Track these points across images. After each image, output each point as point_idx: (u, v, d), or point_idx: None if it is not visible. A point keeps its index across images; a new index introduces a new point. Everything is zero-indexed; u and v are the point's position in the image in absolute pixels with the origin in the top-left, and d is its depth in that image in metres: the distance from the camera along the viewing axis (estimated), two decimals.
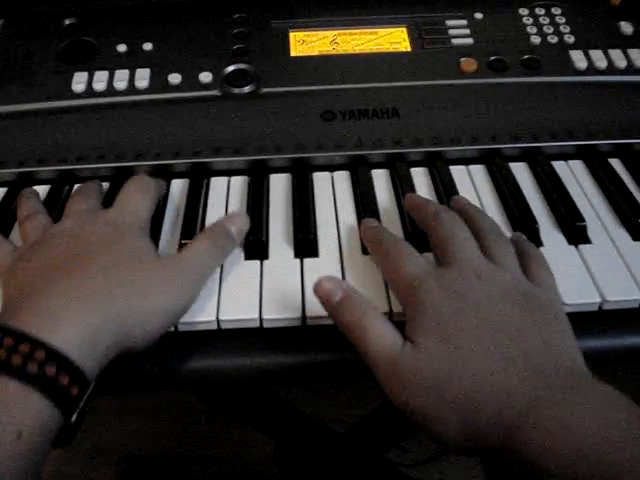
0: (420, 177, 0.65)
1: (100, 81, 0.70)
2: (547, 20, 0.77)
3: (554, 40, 0.75)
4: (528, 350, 0.43)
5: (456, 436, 0.42)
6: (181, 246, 0.57)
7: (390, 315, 0.52)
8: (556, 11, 0.78)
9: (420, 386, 0.43)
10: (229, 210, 0.62)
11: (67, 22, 0.77)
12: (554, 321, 0.46)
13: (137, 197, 0.57)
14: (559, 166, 0.65)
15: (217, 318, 0.52)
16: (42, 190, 0.65)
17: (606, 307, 0.53)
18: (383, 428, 1.08)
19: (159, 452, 1.54)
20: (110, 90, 0.70)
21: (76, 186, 0.66)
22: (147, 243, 0.53)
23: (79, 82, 0.71)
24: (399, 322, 0.51)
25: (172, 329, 0.52)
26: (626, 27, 0.76)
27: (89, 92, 0.70)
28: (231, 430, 1.53)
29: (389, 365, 0.44)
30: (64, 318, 0.44)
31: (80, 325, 0.44)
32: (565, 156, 0.67)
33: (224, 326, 0.52)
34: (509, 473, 0.41)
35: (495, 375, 0.42)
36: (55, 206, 0.63)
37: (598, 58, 0.72)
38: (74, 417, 0.43)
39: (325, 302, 0.48)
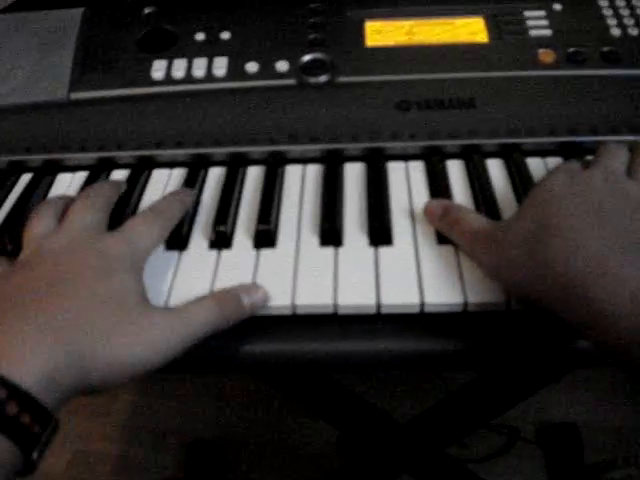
0: (495, 169, 0.65)
1: (179, 69, 0.72)
2: (628, 12, 0.75)
3: (635, 32, 0.73)
4: (614, 229, 0.46)
5: (528, 283, 0.47)
6: (258, 232, 0.58)
7: (465, 306, 0.51)
8: (637, 2, 0.76)
9: (514, 247, 0.49)
10: (304, 198, 0.63)
11: (147, 11, 0.78)
12: None
13: (144, 226, 0.54)
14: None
15: (292, 303, 0.52)
16: (122, 174, 0.67)
17: None
18: (445, 422, 1.07)
19: (222, 437, 1.56)
20: (188, 78, 0.71)
21: (155, 172, 0.67)
22: (135, 284, 0.50)
23: (158, 70, 0.72)
24: (475, 313, 0.52)
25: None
26: None
27: (168, 80, 0.71)
28: (295, 418, 1.54)
29: (485, 238, 0.52)
30: (27, 350, 0.42)
31: (42, 360, 0.42)
32: None
33: (299, 311, 0.53)
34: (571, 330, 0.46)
35: (572, 234, 0.46)
36: (134, 189, 0.64)
37: None
38: (35, 454, 0.41)
39: (432, 220, 0.58)
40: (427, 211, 0.58)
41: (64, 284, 0.47)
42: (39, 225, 0.54)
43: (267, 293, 0.53)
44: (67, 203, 0.57)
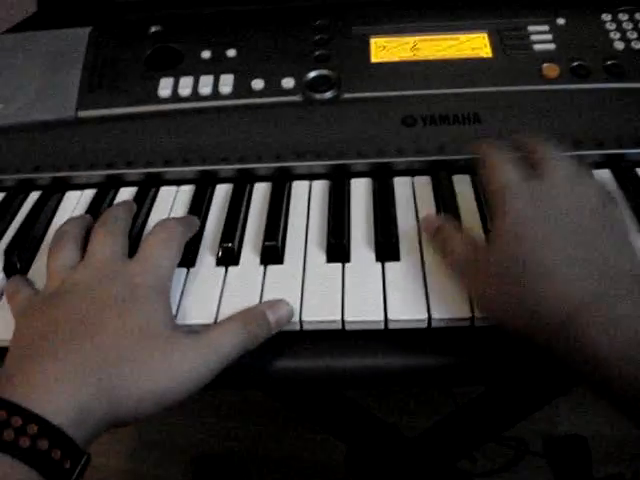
0: None
1: (185, 87, 0.72)
2: (631, 25, 0.75)
3: (638, 46, 0.73)
4: (598, 252, 0.46)
5: (518, 322, 0.46)
6: (265, 248, 0.58)
7: (473, 320, 0.52)
8: None
9: (490, 277, 0.48)
10: (311, 214, 0.63)
11: (153, 29, 0.79)
12: (624, 235, 0.49)
13: (161, 247, 0.54)
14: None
15: (300, 319, 0.53)
16: (130, 192, 0.68)
17: None
18: (454, 436, 1.07)
19: (230, 452, 1.55)
20: (195, 95, 0.72)
21: (162, 189, 0.68)
22: (163, 311, 0.50)
23: (165, 87, 0.73)
24: (482, 327, 0.52)
25: None
26: None
27: (175, 97, 0.72)
28: (303, 433, 1.54)
29: (470, 265, 0.51)
30: (57, 389, 0.42)
31: (73, 398, 0.42)
32: None
33: (306, 327, 0.53)
34: (562, 364, 0.44)
35: (562, 268, 0.45)
36: (142, 207, 0.65)
37: None
38: None
39: (427, 232, 0.58)
40: (424, 225, 0.60)
41: (93, 319, 0.47)
42: (62, 257, 0.55)
43: (292, 308, 0.53)
44: (85, 227, 0.58)
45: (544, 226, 0.48)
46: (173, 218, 0.60)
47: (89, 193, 0.69)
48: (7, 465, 0.39)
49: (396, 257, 0.57)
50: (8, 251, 0.61)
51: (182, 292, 0.56)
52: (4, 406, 0.40)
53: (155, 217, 0.65)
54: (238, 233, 0.61)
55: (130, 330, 0.47)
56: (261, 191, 0.66)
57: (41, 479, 0.40)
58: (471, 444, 1.12)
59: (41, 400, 0.41)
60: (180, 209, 0.66)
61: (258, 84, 0.72)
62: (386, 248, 0.58)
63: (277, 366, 0.53)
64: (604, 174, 0.65)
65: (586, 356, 0.42)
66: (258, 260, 0.58)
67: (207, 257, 0.59)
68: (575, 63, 0.72)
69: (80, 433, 0.42)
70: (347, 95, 0.71)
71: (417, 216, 0.62)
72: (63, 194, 0.69)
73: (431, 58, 0.73)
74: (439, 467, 1.10)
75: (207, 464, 1.53)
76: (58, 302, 0.50)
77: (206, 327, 0.51)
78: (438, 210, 0.62)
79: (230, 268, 0.58)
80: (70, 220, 0.60)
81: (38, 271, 0.60)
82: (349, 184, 0.66)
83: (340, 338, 0.53)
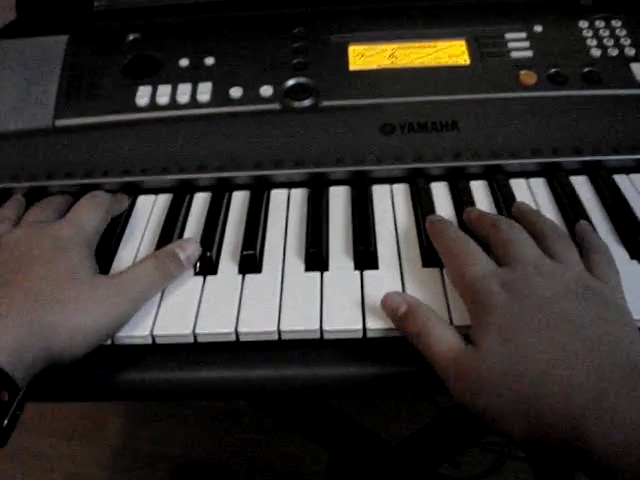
0: (480, 190, 0.65)
1: (163, 95, 0.72)
2: (607, 33, 0.76)
3: (614, 53, 0.74)
4: (592, 343, 0.43)
5: (521, 433, 0.43)
6: (243, 257, 0.58)
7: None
8: (616, 23, 0.77)
9: (483, 386, 0.44)
10: (289, 222, 0.63)
11: (131, 37, 0.79)
12: (617, 315, 0.47)
13: (88, 211, 0.60)
14: (621, 180, 0.65)
15: (278, 329, 0.52)
16: None
17: None
18: (437, 442, 1.07)
19: (213, 460, 1.55)
20: (173, 104, 0.72)
21: (140, 198, 0.68)
22: (87, 260, 0.55)
23: (143, 96, 0.72)
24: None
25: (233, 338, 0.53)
26: None
27: (153, 106, 0.72)
28: (286, 441, 1.54)
29: (454, 367, 0.46)
30: None
31: (8, 336, 0.46)
32: (627, 169, 0.66)
33: (284, 337, 0.53)
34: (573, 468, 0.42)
35: (558, 370, 0.42)
36: (121, 214, 0.65)
37: None
38: (5, 422, 0.45)
39: (391, 315, 0.51)
40: (385, 303, 0.52)
41: (22, 268, 0.52)
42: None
43: (199, 245, 0.59)
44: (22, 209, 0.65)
45: (531, 319, 0.45)
46: (103, 192, 0.65)
47: None
48: None
49: (375, 266, 0.57)
50: None
51: (160, 301, 0.55)
52: None
53: (132, 226, 0.65)
54: (216, 242, 0.61)
55: (56, 275, 0.51)
56: (239, 200, 0.66)
57: None
58: (454, 449, 1.12)
59: None
60: (158, 218, 0.65)
61: (236, 92, 0.71)
62: (365, 256, 0.58)
63: (257, 375, 0.53)
64: (581, 181, 0.65)
65: (593, 460, 0.40)
66: (237, 269, 0.58)
67: None
68: (552, 70, 0.72)
69: (17, 370, 0.45)
70: (325, 103, 0.71)
71: (395, 224, 0.62)
72: None
73: (409, 66, 0.73)
74: (422, 473, 1.10)
75: (190, 473, 1.52)
76: None
77: (126, 268, 0.55)
78: (416, 218, 0.62)
79: (208, 277, 0.58)
80: (8, 204, 0.66)
81: None
82: (328, 192, 0.66)
83: (318, 347, 0.53)
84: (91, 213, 0.60)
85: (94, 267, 0.55)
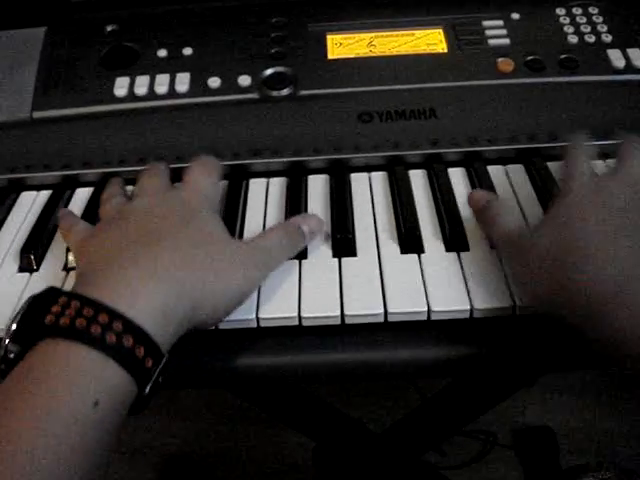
0: (458, 177, 0.66)
1: (141, 86, 0.72)
2: (584, 19, 0.76)
3: (591, 39, 0.74)
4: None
5: (554, 301, 0.47)
6: None
7: (429, 314, 0.52)
8: (593, 10, 0.77)
9: (537, 254, 0.48)
10: (268, 210, 0.63)
11: (109, 28, 0.78)
12: None
13: (205, 177, 0.58)
14: (598, 166, 0.65)
15: (256, 316, 0.52)
16: (86, 192, 0.67)
17: None
18: (422, 429, 1.08)
19: (199, 452, 1.55)
20: (151, 94, 0.72)
21: None
22: (219, 224, 0.54)
23: (121, 87, 0.72)
24: (439, 321, 0.52)
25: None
26: None
27: (131, 97, 0.72)
28: (271, 431, 1.54)
29: (512, 244, 0.52)
30: (141, 291, 0.45)
31: (156, 299, 0.45)
32: (603, 155, 0.66)
33: (263, 324, 0.53)
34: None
35: (606, 249, 0.45)
36: (98, 207, 0.64)
37: (636, 57, 0.71)
38: (148, 388, 0.44)
39: (475, 207, 0.58)
40: (471, 200, 0.59)
41: (161, 231, 0.50)
42: (113, 200, 0.59)
43: (321, 219, 0.59)
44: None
45: (598, 214, 0.48)
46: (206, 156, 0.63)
47: (45, 194, 0.68)
48: (94, 359, 0.41)
49: (353, 253, 0.58)
50: None
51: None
52: (90, 303, 0.42)
53: None
54: None
55: (197, 238, 0.50)
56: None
57: (125, 375, 0.42)
58: (438, 437, 1.13)
59: (126, 302, 0.43)
60: None
61: (214, 82, 0.71)
62: (343, 244, 0.58)
63: (242, 363, 0.54)
64: (559, 167, 0.66)
65: (615, 339, 0.42)
66: None
67: None
68: (530, 57, 0.72)
69: (162, 335, 0.44)
70: (304, 92, 0.71)
71: (374, 212, 0.62)
72: (18, 195, 0.68)
73: (387, 54, 0.74)
74: (407, 461, 1.10)
75: (175, 465, 1.52)
76: (124, 223, 0.53)
77: (253, 237, 0.55)
78: (395, 206, 0.62)
79: None
80: (111, 183, 0.64)
81: None
82: (306, 181, 0.66)
83: (300, 334, 0.54)
84: (209, 179, 0.59)
85: (225, 231, 0.54)
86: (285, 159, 0.66)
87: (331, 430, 1.06)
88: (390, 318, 0.52)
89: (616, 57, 0.72)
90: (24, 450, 0.37)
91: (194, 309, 0.47)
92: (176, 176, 0.66)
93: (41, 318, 0.42)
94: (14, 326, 0.43)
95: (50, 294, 0.44)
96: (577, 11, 0.77)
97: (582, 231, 0.47)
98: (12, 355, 0.43)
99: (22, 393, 0.40)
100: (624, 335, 0.42)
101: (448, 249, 0.58)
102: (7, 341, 0.43)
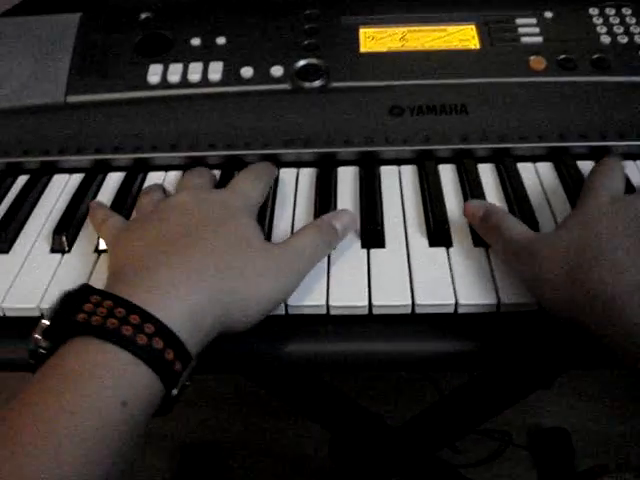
0: (487, 173, 0.66)
1: (174, 73, 0.72)
2: (617, 20, 0.76)
3: (624, 40, 0.74)
4: None
5: (561, 303, 0.47)
6: None
7: (456, 307, 0.52)
8: (627, 11, 0.77)
9: (552, 256, 0.48)
10: (297, 201, 0.64)
11: (143, 16, 0.79)
12: None
13: (250, 181, 0.59)
14: (628, 166, 0.65)
15: (286, 304, 0.53)
16: (118, 177, 0.68)
17: None
18: (438, 426, 1.08)
19: (216, 441, 1.56)
20: (184, 82, 0.72)
21: (150, 175, 0.68)
22: (255, 228, 0.54)
23: (154, 74, 0.73)
24: (468, 315, 0.53)
25: None
26: None
27: (164, 84, 0.72)
28: (288, 422, 1.54)
29: (524, 248, 0.51)
30: (173, 294, 0.45)
31: (187, 303, 0.45)
32: (633, 156, 0.66)
33: (291, 312, 0.54)
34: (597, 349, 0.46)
35: (620, 255, 0.46)
36: (129, 192, 0.65)
37: None
38: (175, 391, 0.44)
39: (472, 219, 0.57)
40: (467, 211, 0.58)
41: (197, 232, 0.50)
42: (149, 197, 0.60)
43: (354, 215, 0.59)
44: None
45: (618, 225, 0.48)
46: (262, 163, 0.65)
47: (77, 177, 0.69)
48: (125, 359, 0.41)
49: (381, 244, 0.58)
50: None
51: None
52: (122, 304, 0.43)
53: None
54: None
55: (231, 242, 0.50)
56: None
57: (154, 376, 0.42)
58: (453, 434, 1.13)
59: (157, 304, 0.44)
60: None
61: (247, 72, 0.72)
62: (372, 235, 0.58)
63: (264, 350, 0.54)
64: (589, 166, 0.66)
65: (629, 339, 0.42)
66: None
67: None
68: (562, 56, 0.72)
69: (192, 338, 0.45)
70: (335, 84, 0.71)
71: (403, 205, 0.62)
72: (50, 178, 0.69)
73: (419, 49, 0.74)
74: (422, 456, 1.11)
75: (193, 453, 1.53)
76: (159, 221, 0.53)
77: (287, 239, 0.55)
78: (424, 199, 0.63)
79: None
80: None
81: (21, 251, 0.61)
82: (336, 172, 0.67)
83: (327, 323, 0.54)
84: (254, 184, 0.59)
85: (262, 235, 0.54)
86: (315, 150, 0.67)
87: (348, 422, 1.06)
88: (417, 310, 0.53)
89: None
90: (50, 448, 0.37)
91: (225, 315, 0.47)
92: (211, 165, 0.67)
93: (73, 315, 0.42)
94: (46, 322, 0.43)
95: (83, 291, 0.45)
96: (610, 11, 0.77)
97: (607, 233, 0.47)
98: (43, 351, 0.43)
99: (51, 390, 0.40)
100: (635, 332, 0.42)
101: (476, 244, 0.58)
102: (37, 336, 0.43)
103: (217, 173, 0.67)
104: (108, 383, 0.40)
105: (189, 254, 0.48)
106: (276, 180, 0.66)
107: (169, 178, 0.68)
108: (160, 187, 0.64)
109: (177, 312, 0.44)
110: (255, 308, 0.49)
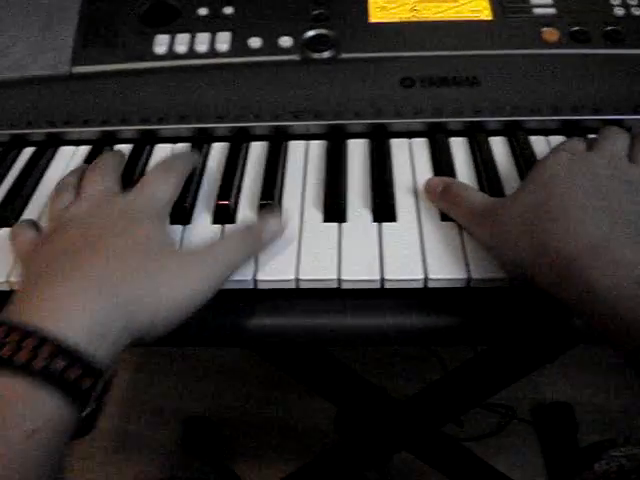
0: (499, 146, 0.65)
1: (181, 44, 0.71)
2: None
3: (638, 12, 0.73)
4: (617, 205, 0.47)
5: (524, 261, 0.48)
6: (262, 207, 0.58)
7: (469, 282, 0.52)
8: None
9: (510, 219, 0.49)
10: (308, 174, 0.63)
11: None
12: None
13: (159, 179, 0.56)
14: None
15: (296, 277, 0.53)
16: (124, 149, 0.67)
17: None
18: (442, 400, 1.08)
19: (220, 414, 1.57)
20: (191, 53, 0.71)
21: (157, 146, 0.68)
22: (162, 231, 0.52)
23: (161, 44, 0.72)
24: (477, 289, 0.52)
25: (251, 286, 0.53)
26: None
27: (171, 54, 0.71)
28: (293, 395, 1.55)
29: (484, 213, 0.52)
30: (72, 307, 0.43)
31: (86, 313, 0.43)
32: None
33: (302, 285, 0.53)
34: (558, 304, 0.46)
35: (576, 212, 0.46)
36: (137, 164, 0.65)
37: None
38: (87, 410, 0.42)
39: (432, 194, 0.58)
40: (428, 188, 0.59)
41: (95, 242, 0.48)
42: (59, 201, 0.56)
43: (282, 220, 0.56)
44: (81, 176, 0.59)
45: (573, 181, 0.49)
46: (172, 155, 0.63)
47: (83, 149, 0.68)
48: (24, 387, 0.40)
49: (393, 218, 0.57)
50: (1, 206, 0.62)
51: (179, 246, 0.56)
52: (16, 329, 0.41)
53: None
54: (234, 191, 0.61)
55: (134, 246, 0.48)
56: (257, 150, 0.66)
57: (60, 398, 0.40)
58: (458, 409, 1.13)
59: (55, 321, 0.42)
60: None
61: (255, 42, 0.71)
62: (383, 209, 0.58)
63: (271, 323, 0.54)
64: None
65: (588, 296, 0.43)
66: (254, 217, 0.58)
67: (203, 214, 0.59)
68: (575, 28, 0.71)
69: (100, 349, 0.43)
70: (345, 55, 0.70)
71: (414, 178, 0.62)
72: (56, 150, 0.69)
73: (430, 19, 0.73)
74: (427, 430, 1.11)
75: (196, 426, 1.54)
76: (59, 234, 0.51)
77: (209, 243, 0.54)
78: (435, 172, 0.62)
79: (226, 227, 0.58)
80: (71, 171, 0.61)
81: None
82: (346, 145, 0.66)
83: (336, 297, 0.54)
84: (162, 183, 0.55)
85: (170, 240, 0.52)
86: (325, 122, 0.66)
87: (354, 396, 1.06)
88: (430, 284, 0.52)
89: None
90: None
91: (132, 322, 0.45)
92: (216, 138, 0.66)
93: None
94: None
95: None
96: None
97: (557, 192, 0.48)
98: None
99: None
100: (595, 290, 0.43)
101: None
102: None
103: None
104: (11, 414, 0.39)
105: (85, 264, 0.46)
106: (285, 153, 0.65)
107: (176, 150, 0.67)
108: (75, 181, 0.58)
109: (78, 325, 0.42)
110: (164, 314, 0.47)
